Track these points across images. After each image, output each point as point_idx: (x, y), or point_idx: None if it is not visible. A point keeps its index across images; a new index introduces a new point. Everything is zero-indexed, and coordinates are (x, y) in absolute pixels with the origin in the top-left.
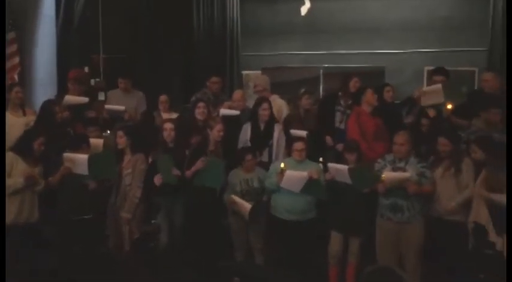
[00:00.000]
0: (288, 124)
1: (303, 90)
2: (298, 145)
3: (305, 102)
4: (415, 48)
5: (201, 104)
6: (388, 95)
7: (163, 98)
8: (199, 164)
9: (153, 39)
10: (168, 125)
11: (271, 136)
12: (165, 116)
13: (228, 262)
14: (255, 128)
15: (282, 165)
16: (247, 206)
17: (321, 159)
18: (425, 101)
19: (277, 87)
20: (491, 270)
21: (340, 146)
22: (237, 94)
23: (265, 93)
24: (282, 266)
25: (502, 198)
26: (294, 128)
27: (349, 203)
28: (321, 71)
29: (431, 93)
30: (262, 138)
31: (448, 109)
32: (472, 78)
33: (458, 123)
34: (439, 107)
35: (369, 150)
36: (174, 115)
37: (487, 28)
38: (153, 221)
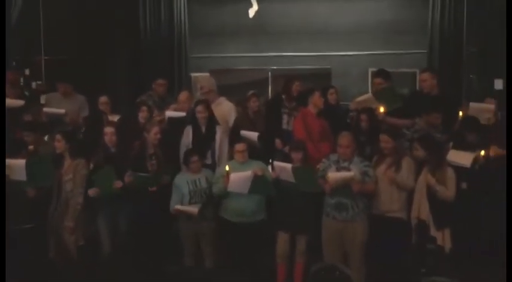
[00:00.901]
0: (237, 126)
1: (250, 92)
2: (240, 147)
3: (253, 104)
4: (360, 50)
5: (144, 108)
6: (332, 97)
7: (103, 99)
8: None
9: (98, 40)
10: (109, 129)
11: (213, 138)
12: (109, 118)
13: (177, 267)
14: (196, 131)
15: (227, 168)
16: (193, 210)
17: (270, 160)
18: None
19: (226, 89)
20: (432, 265)
21: (287, 148)
22: (183, 96)
23: (212, 94)
24: (232, 268)
25: (443, 190)
26: (245, 130)
27: (295, 202)
28: (270, 73)
29: (366, 101)
30: (204, 141)
31: (380, 112)
32: (414, 79)
33: (395, 123)
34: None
35: (315, 151)
36: (117, 118)
37: (426, 31)
38: None
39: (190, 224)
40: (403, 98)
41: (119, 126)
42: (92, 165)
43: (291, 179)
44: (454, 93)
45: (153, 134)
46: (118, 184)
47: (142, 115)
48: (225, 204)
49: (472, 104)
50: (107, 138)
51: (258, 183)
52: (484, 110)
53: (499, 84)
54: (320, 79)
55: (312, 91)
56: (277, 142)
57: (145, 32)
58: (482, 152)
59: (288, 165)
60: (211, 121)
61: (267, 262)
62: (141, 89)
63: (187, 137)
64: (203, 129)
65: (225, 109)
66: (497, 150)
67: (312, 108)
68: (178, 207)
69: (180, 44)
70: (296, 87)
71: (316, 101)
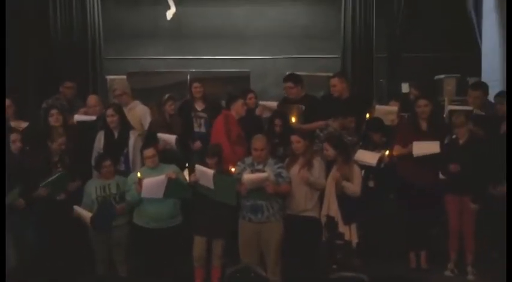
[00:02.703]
0: (153, 130)
1: (166, 95)
2: (148, 152)
3: (169, 107)
4: (278, 54)
5: (54, 111)
6: (250, 101)
7: (7, 102)
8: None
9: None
10: (14, 136)
11: (126, 144)
12: (13, 124)
13: (88, 277)
14: (108, 136)
15: (138, 174)
16: (86, 214)
17: (187, 164)
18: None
19: (144, 93)
20: (343, 260)
21: (197, 145)
22: (91, 99)
23: (124, 97)
24: (147, 275)
25: (349, 185)
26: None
27: (211, 207)
28: (188, 75)
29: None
30: (116, 146)
31: (292, 121)
32: (328, 83)
33: (309, 127)
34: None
35: (232, 153)
36: (23, 124)
37: (339, 36)
38: None
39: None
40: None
41: (26, 132)
42: None
43: (210, 185)
44: (365, 96)
45: (58, 142)
46: (20, 203)
47: (53, 119)
48: (140, 211)
49: (378, 107)
50: (13, 147)
51: (173, 186)
52: (388, 111)
53: (405, 87)
54: (239, 82)
55: (235, 98)
56: (196, 144)
57: (55, 32)
58: (387, 152)
59: (210, 171)
60: (124, 126)
61: (185, 267)
62: (50, 92)
63: (99, 142)
64: (116, 134)
65: (139, 113)
66: (400, 150)
67: (234, 113)
68: (76, 208)
69: (94, 45)
70: (194, 88)
71: (238, 108)
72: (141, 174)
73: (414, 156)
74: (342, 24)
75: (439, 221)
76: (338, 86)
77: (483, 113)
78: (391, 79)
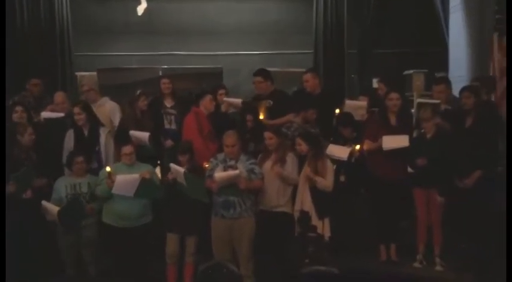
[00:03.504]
0: (124, 127)
1: (138, 91)
2: (126, 149)
3: (141, 104)
4: (251, 50)
5: (18, 108)
6: (221, 97)
7: None
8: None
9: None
10: None
11: (97, 141)
12: None
13: (57, 279)
14: (78, 134)
15: (108, 169)
16: (54, 208)
17: (158, 162)
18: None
19: (114, 89)
20: (315, 255)
21: (169, 143)
22: (58, 96)
23: (92, 93)
24: (118, 274)
25: (322, 181)
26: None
27: (183, 203)
28: (161, 72)
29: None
30: (87, 144)
31: (260, 117)
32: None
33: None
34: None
35: (206, 150)
36: None
37: (311, 32)
38: None
39: (69, 232)
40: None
41: None
42: None
43: (184, 182)
44: (337, 92)
45: (25, 138)
46: None
47: (16, 116)
48: (108, 209)
49: (348, 102)
50: None
51: (145, 186)
52: (358, 106)
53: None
54: (212, 78)
55: (203, 94)
56: (168, 142)
57: (22, 27)
58: (357, 146)
59: (181, 170)
60: (94, 123)
61: (157, 264)
62: (16, 89)
63: (70, 140)
64: (85, 131)
65: (108, 109)
66: (370, 144)
67: (203, 109)
68: (44, 203)
69: (63, 41)
70: (163, 85)
71: (206, 104)
72: (113, 170)
73: (384, 150)
74: (314, 20)
75: (408, 214)
76: (311, 82)
77: (449, 108)
78: (362, 74)
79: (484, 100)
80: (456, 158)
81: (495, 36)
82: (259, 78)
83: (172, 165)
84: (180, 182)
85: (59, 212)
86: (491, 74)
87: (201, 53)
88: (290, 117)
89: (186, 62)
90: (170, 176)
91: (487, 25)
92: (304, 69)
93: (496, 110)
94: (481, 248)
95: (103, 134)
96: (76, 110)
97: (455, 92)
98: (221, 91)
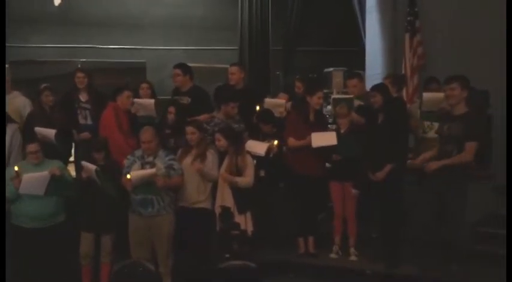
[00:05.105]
0: (31, 123)
1: (43, 85)
2: (31, 147)
3: (45, 98)
4: (177, 45)
5: None
6: (144, 92)
7: None
8: None
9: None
10: None
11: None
12: None
13: None
14: None
15: (16, 168)
16: None
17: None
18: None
19: (28, 83)
20: (237, 250)
21: (86, 135)
22: None
23: None
24: (30, 278)
25: (241, 180)
26: (40, 126)
27: (99, 201)
28: (79, 65)
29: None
30: None
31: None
32: (227, 74)
33: (197, 119)
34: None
35: (127, 146)
36: None
37: (237, 29)
38: None
39: None
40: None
41: None
42: None
43: (97, 180)
44: (259, 88)
45: None
46: None
47: None
48: (17, 210)
49: (267, 99)
50: None
51: (55, 184)
52: (277, 104)
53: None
54: (135, 73)
55: (121, 90)
56: (85, 134)
57: None
58: (276, 142)
59: (92, 167)
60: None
61: (71, 265)
62: None
63: None
64: None
65: (18, 104)
66: (295, 142)
67: (121, 104)
68: None
69: None
70: (77, 79)
71: (123, 100)
72: (19, 169)
73: (313, 147)
74: (239, 16)
75: (325, 207)
76: (236, 75)
77: (362, 103)
78: (286, 71)
79: (394, 97)
80: (369, 153)
81: (407, 37)
82: (177, 71)
83: (83, 163)
84: (93, 179)
85: None
86: (403, 72)
87: (123, 47)
88: (207, 115)
89: (108, 55)
90: (84, 175)
91: (399, 26)
92: (228, 66)
93: (405, 107)
94: (391, 237)
95: (9, 130)
96: None
97: None
98: (144, 85)
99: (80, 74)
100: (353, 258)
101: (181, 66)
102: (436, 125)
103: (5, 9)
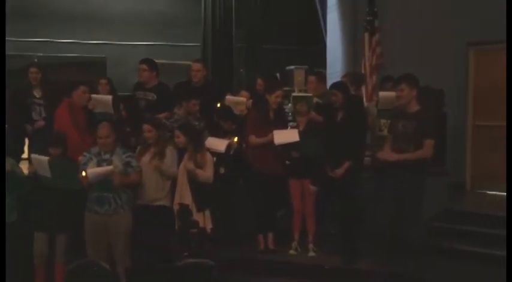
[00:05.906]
0: None
1: None
2: None
3: None
4: (138, 40)
5: None
6: (103, 88)
7: None
8: None
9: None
10: None
11: None
12: None
13: None
14: None
15: None
16: None
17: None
18: None
19: None
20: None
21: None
22: None
23: None
24: None
25: (202, 173)
26: None
27: (53, 199)
28: (36, 60)
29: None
30: None
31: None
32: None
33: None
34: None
35: (82, 143)
36: None
37: (200, 25)
38: None
39: None
40: None
41: None
42: None
43: (47, 174)
44: (220, 85)
45: None
46: None
47: None
48: None
49: (228, 97)
50: None
51: (7, 180)
52: (237, 102)
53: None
54: (94, 68)
55: (76, 85)
56: (39, 123)
57: None
58: (236, 139)
59: (44, 158)
60: None
61: (24, 266)
62: None
63: None
64: None
65: None
66: (256, 140)
67: (77, 100)
68: None
69: None
70: (31, 74)
71: (79, 96)
72: None
73: (276, 144)
74: (203, 13)
75: (285, 204)
76: (201, 72)
77: (320, 101)
78: (249, 69)
79: (352, 95)
80: (328, 150)
81: (366, 36)
82: (144, 66)
83: (33, 155)
84: (42, 174)
85: None
86: (363, 71)
87: (83, 42)
88: (168, 113)
89: (66, 50)
90: (31, 168)
91: (359, 25)
92: (190, 62)
93: (363, 105)
94: (349, 233)
95: None
96: None
97: None
98: (102, 81)
99: (33, 70)
100: (312, 254)
101: (148, 62)
102: None
103: (5, 9)
